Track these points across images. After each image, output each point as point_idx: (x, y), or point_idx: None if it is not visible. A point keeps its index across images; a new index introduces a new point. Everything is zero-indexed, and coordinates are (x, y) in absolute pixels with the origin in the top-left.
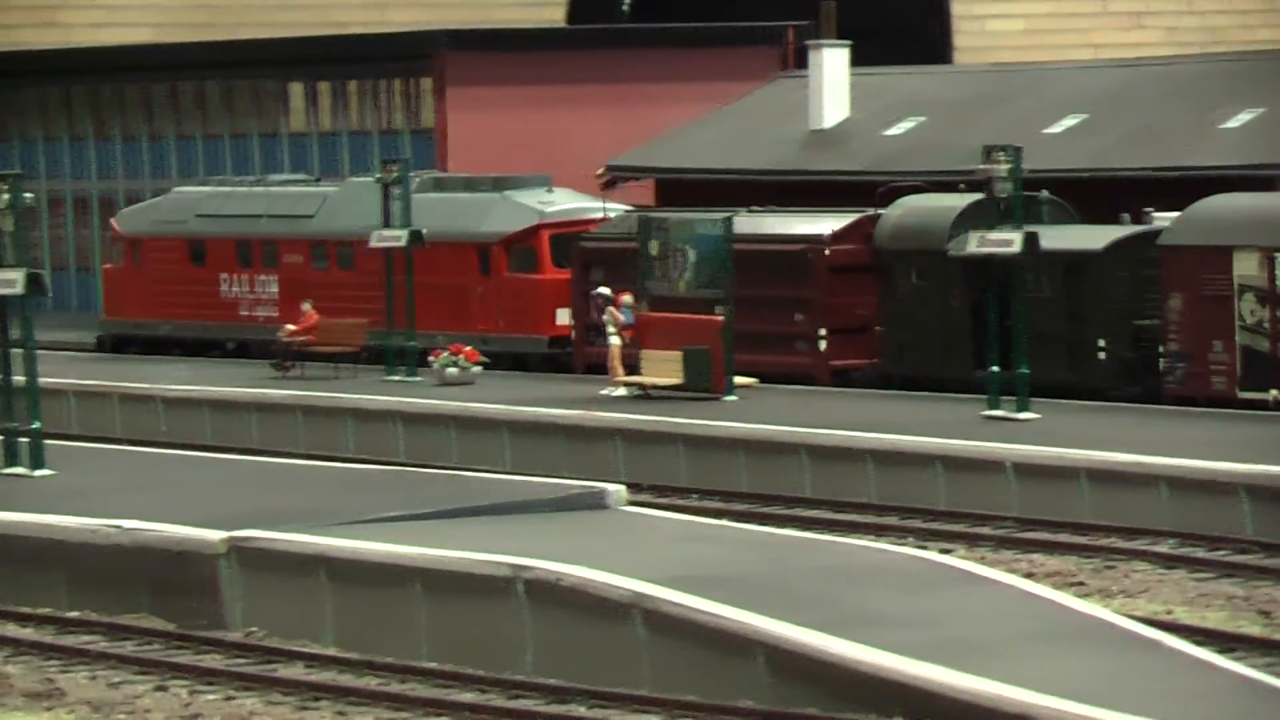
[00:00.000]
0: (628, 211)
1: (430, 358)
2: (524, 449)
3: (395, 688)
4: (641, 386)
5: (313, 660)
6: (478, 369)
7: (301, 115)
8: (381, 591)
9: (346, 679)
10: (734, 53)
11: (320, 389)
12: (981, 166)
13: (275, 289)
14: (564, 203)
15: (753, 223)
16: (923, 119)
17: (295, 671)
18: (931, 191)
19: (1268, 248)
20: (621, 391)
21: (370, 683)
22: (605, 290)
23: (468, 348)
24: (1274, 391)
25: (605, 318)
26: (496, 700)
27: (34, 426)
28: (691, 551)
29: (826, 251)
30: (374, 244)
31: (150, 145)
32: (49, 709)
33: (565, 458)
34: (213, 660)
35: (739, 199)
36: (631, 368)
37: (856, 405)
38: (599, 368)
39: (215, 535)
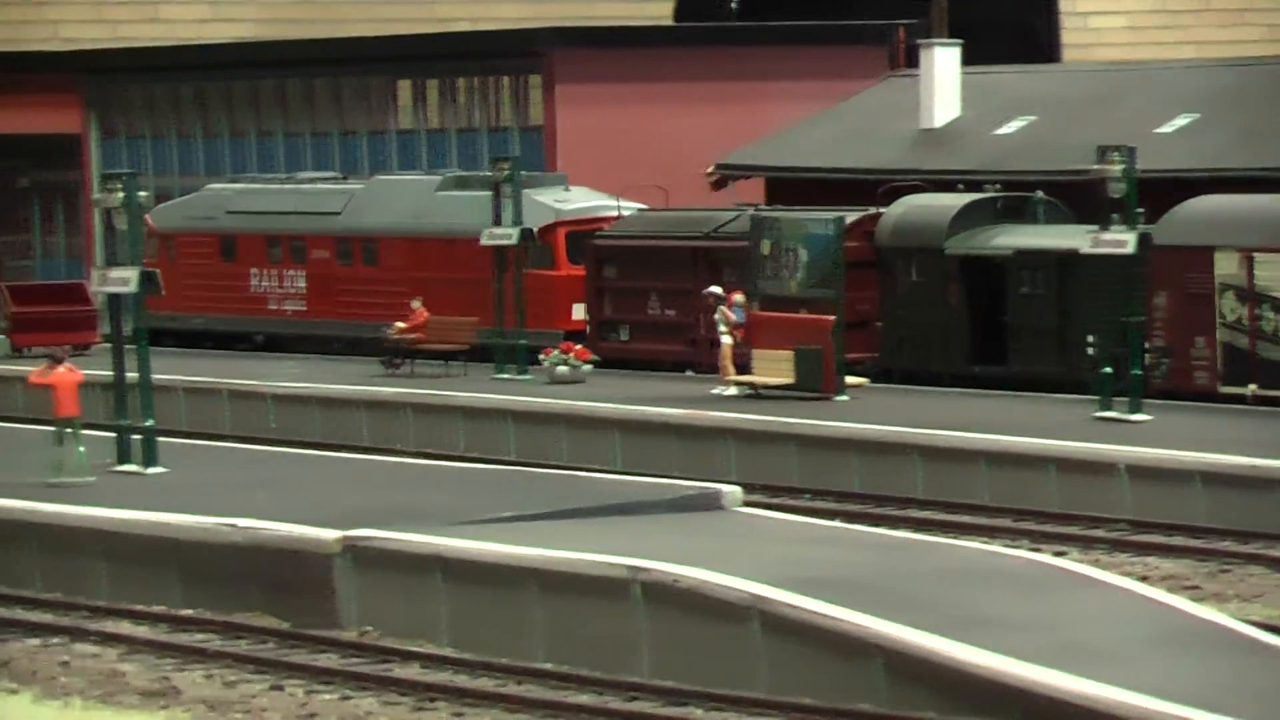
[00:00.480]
0: (640, 210)
1: (541, 356)
2: (635, 448)
3: (511, 689)
4: (752, 386)
5: (428, 661)
6: (588, 367)
7: (410, 112)
8: (497, 592)
9: (462, 680)
10: (842, 51)
11: (430, 386)
12: (1095, 166)
13: (303, 283)
14: (580, 201)
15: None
16: (1033, 118)
17: (411, 672)
18: (932, 192)
19: (1247, 248)
20: (733, 391)
21: (486, 684)
22: (717, 289)
23: (578, 346)
24: (1252, 386)
25: (716, 317)
26: (613, 702)
27: (147, 424)
28: (807, 553)
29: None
30: (485, 241)
31: (258, 142)
32: (164, 708)
33: (677, 457)
34: (328, 660)
35: (850, 199)
36: (742, 367)
37: (967, 405)
38: (617, 364)
39: (330, 534)
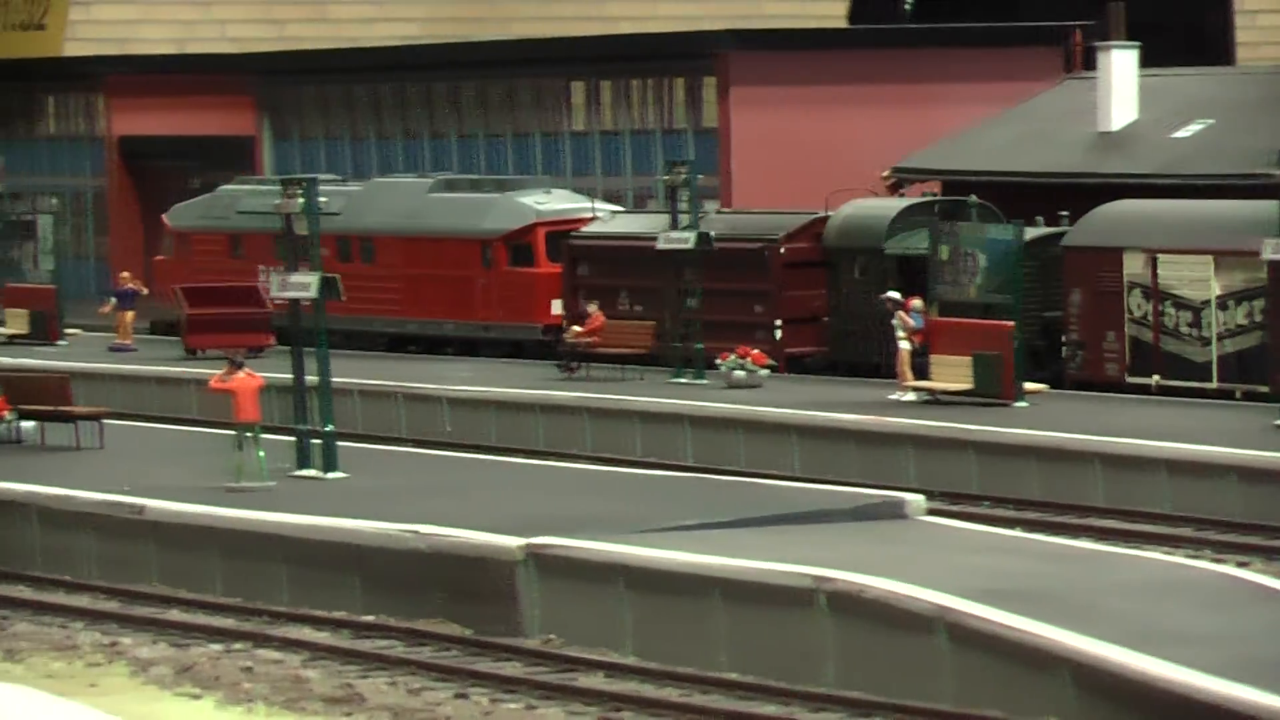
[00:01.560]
0: (613, 213)
1: (718, 360)
2: (813, 454)
3: (697, 699)
4: (931, 391)
5: (612, 670)
6: (765, 372)
7: (583, 114)
8: (681, 601)
9: (648, 690)
10: (1017, 53)
11: (607, 391)
12: (1276, 171)
13: None
14: (559, 203)
15: (721, 222)
16: (1211, 121)
17: (595, 681)
18: (875, 197)
19: (1151, 249)
20: (911, 396)
21: (671, 694)
22: (895, 294)
23: (755, 351)
24: (1156, 377)
25: (895, 322)
26: (799, 713)
27: (327, 429)
28: (991, 563)
29: (782, 249)
30: (661, 245)
31: (431, 143)
32: (348, 715)
33: (855, 463)
34: (512, 668)
35: (1026, 202)
36: (920, 372)
37: (1146, 412)
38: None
39: (513, 542)
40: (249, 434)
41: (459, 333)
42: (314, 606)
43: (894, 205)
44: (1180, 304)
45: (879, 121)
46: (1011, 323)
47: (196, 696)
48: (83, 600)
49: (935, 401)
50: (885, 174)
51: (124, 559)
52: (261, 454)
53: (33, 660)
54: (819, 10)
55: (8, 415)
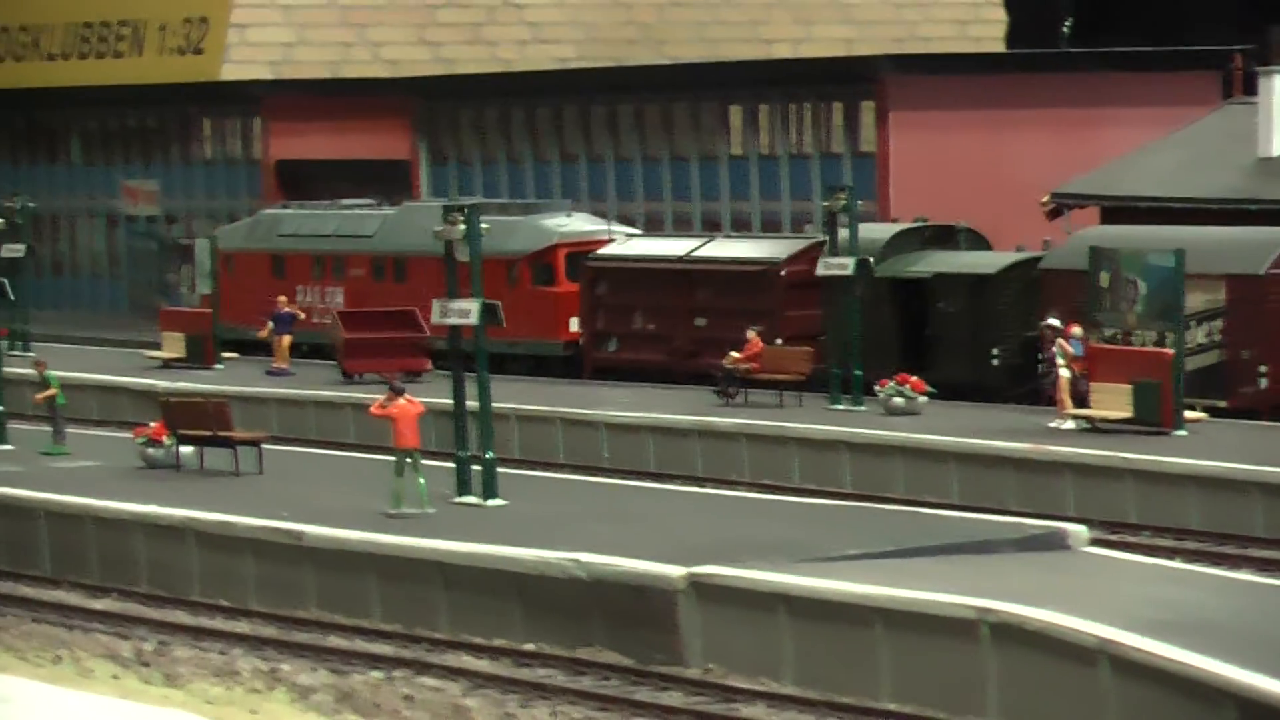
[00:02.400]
0: (628, 235)
1: (876, 387)
2: (972, 481)
3: None
4: (1090, 420)
5: (773, 700)
6: (923, 399)
7: (741, 138)
8: (842, 630)
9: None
10: (1175, 77)
11: (765, 417)
12: None
13: (341, 299)
14: (578, 225)
15: (724, 246)
16: None
17: (756, 711)
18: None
19: (1120, 271)
20: (1070, 425)
21: None
22: (1055, 321)
23: (914, 378)
24: None
25: (1055, 349)
26: None
27: (487, 456)
28: (1155, 594)
29: (782, 272)
30: (821, 271)
31: (589, 166)
32: None
33: (1014, 491)
34: (672, 698)
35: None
36: (1079, 400)
37: None
38: (606, 371)
39: (675, 571)
40: (409, 460)
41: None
42: (474, 634)
43: (887, 230)
44: None
45: (1038, 146)
46: (1172, 351)
47: None
48: (242, 625)
49: (1094, 430)
50: (1045, 199)
51: (283, 584)
52: (422, 480)
53: (193, 685)
54: (975, 32)
55: (166, 440)
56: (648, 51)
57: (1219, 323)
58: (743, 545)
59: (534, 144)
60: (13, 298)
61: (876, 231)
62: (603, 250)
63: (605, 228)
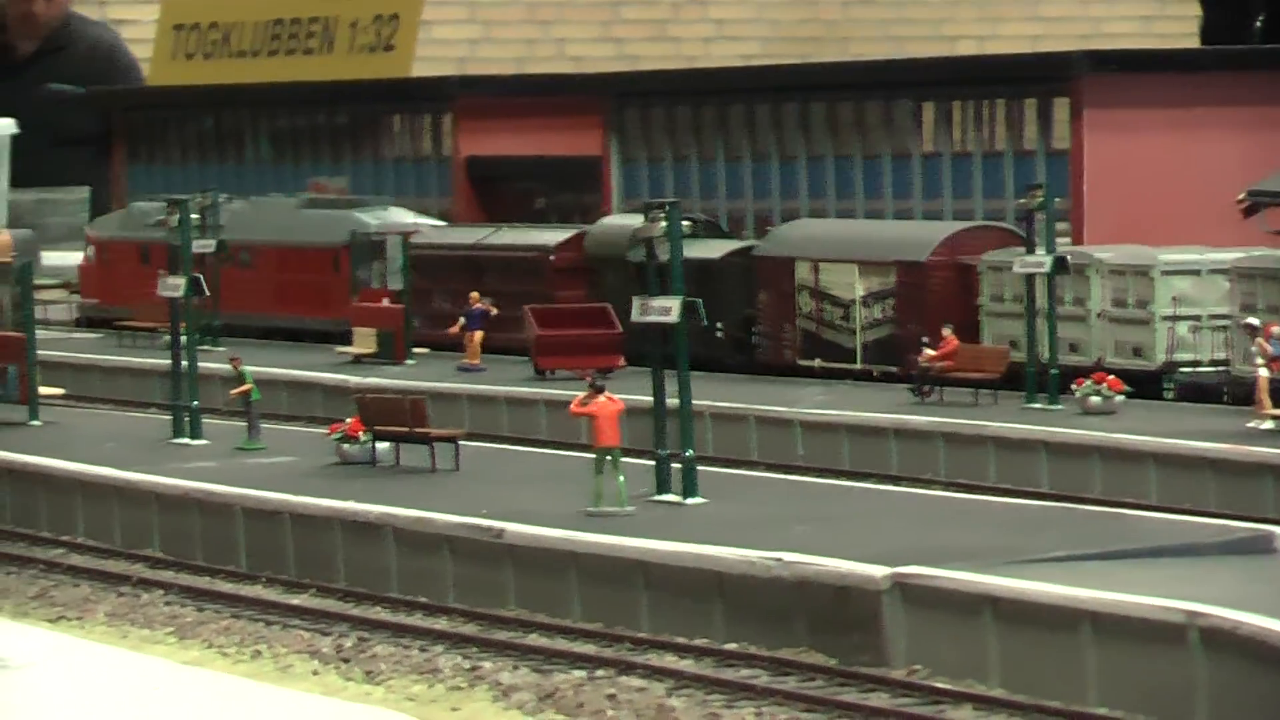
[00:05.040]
0: (434, 227)
1: (1073, 386)
2: (1170, 482)
3: None
4: None
5: (980, 702)
6: (1120, 398)
7: (934, 136)
8: (1049, 634)
9: None
10: None
11: (960, 415)
12: None
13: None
14: (394, 218)
15: (507, 235)
16: None
17: (963, 714)
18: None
19: (815, 259)
20: (1269, 425)
21: None
22: (1254, 321)
23: (1110, 376)
24: (819, 360)
25: (1253, 349)
26: None
27: (687, 455)
28: None
29: (552, 257)
30: (1018, 269)
31: (781, 165)
32: None
33: (1213, 492)
34: (878, 699)
35: None
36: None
37: None
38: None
39: (879, 572)
40: (609, 458)
41: (318, 326)
42: (675, 634)
43: (634, 221)
44: (835, 302)
45: (1231, 143)
46: None
47: None
48: (441, 623)
49: None
50: (1240, 197)
51: (482, 582)
52: (621, 479)
53: (393, 682)
54: (1160, 29)
55: (363, 436)
56: (832, 49)
57: (891, 301)
58: (943, 546)
59: (726, 142)
60: (206, 293)
61: (625, 222)
62: (412, 240)
63: (415, 220)
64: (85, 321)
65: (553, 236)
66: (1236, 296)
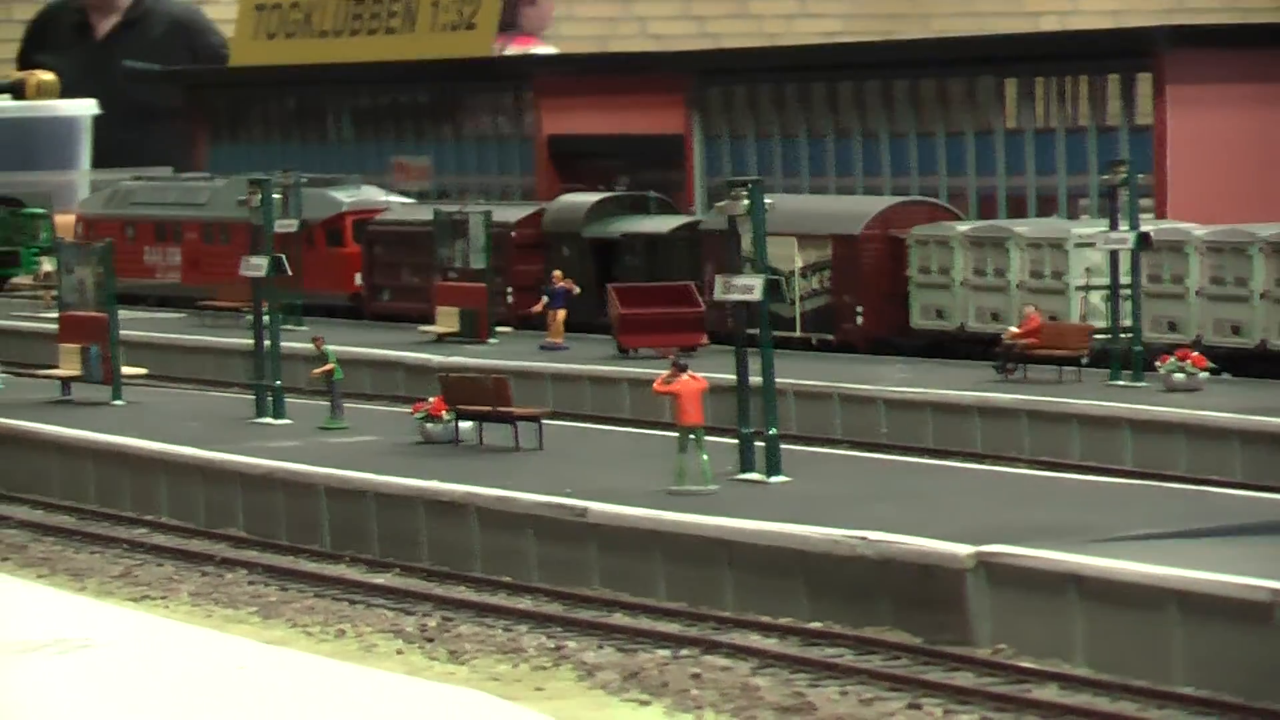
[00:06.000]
0: (403, 203)
1: (1157, 363)
2: (1256, 460)
3: (1152, 714)
4: None
5: (1066, 681)
6: (1205, 374)
7: (1016, 112)
8: (1134, 613)
9: (1102, 703)
10: None
11: (1045, 393)
12: None
13: (178, 258)
14: (365, 196)
15: (473, 213)
16: None
17: (1049, 693)
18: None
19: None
20: None
21: (1126, 708)
22: None
23: (1195, 353)
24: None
25: None
26: None
27: (771, 433)
28: None
29: (513, 233)
30: (1101, 246)
31: (864, 142)
32: None
33: None
34: (963, 678)
35: None
36: None
37: None
38: (381, 317)
39: (963, 550)
40: (692, 437)
41: (292, 298)
42: (759, 612)
43: (592, 198)
44: (775, 273)
45: None
46: None
47: (645, 703)
48: (525, 602)
49: None
50: None
51: (566, 561)
52: (705, 457)
53: (478, 662)
54: (1244, 3)
55: (446, 415)
56: (913, 25)
57: (827, 273)
58: (1027, 524)
59: (808, 120)
60: (289, 272)
61: (580, 199)
62: (379, 217)
63: (385, 198)
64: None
65: (514, 213)
66: None
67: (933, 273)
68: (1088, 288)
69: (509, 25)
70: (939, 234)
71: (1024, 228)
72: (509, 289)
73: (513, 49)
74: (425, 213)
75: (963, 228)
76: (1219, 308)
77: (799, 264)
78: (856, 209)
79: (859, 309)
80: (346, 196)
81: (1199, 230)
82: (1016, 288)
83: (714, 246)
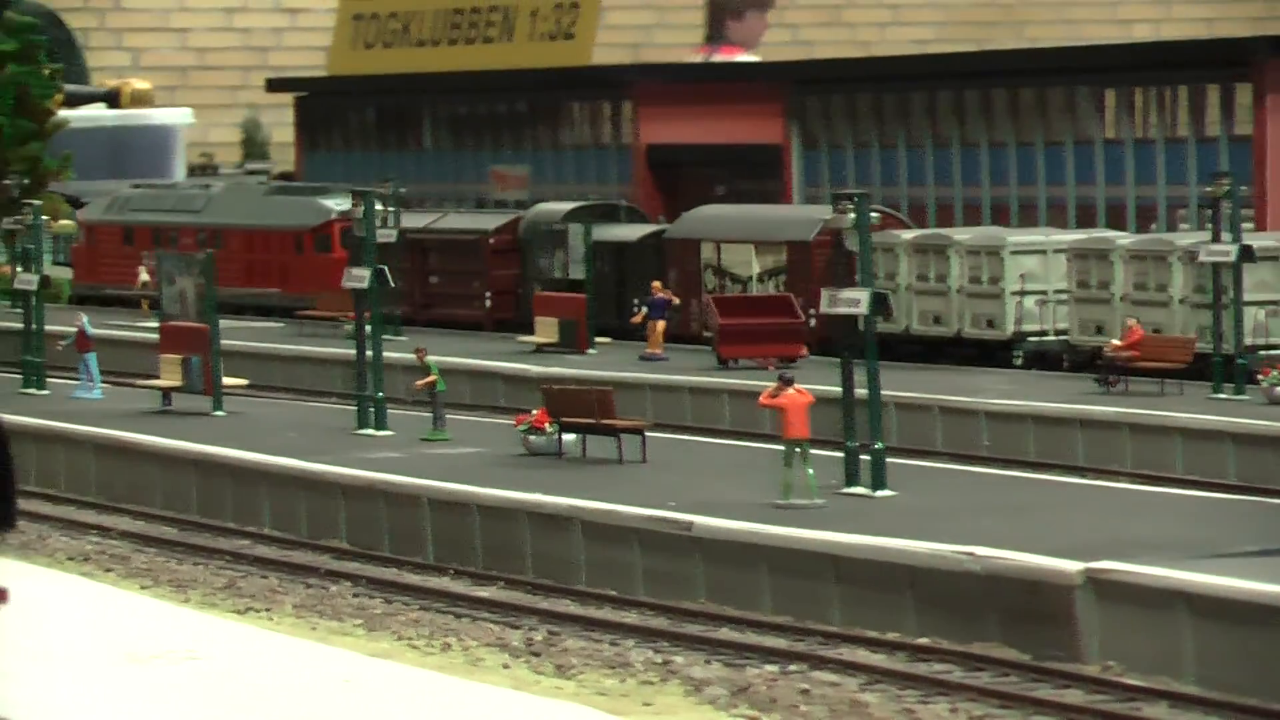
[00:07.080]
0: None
1: (1259, 376)
2: None
3: None
4: None
5: (1176, 700)
6: None
7: (1116, 122)
8: (1246, 630)
9: None
10: None
11: (1146, 406)
12: None
13: None
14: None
15: (450, 220)
16: None
17: (1158, 711)
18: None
19: (717, 239)
20: None
21: None
22: None
23: None
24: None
25: None
26: None
27: (877, 446)
28: None
29: (490, 240)
30: (1203, 259)
31: (962, 151)
32: None
33: None
34: (1073, 696)
35: None
36: None
37: None
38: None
39: (1072, 566)
40: (798, 450)
41: (282, 302)
42: (866, 627)
43: (565, 207)
44: (735, 278)
45: None
46: None
47: (754, 719)
48: (630, 616)
49: None
50: None
51: (671, 575)
52: (811, 471)
53: (585, 676)
54: None
55: (549, 427)
56: (1007, 34)
57: (784, 277)
58: (1132, 539)
59: (907, 130)
60: (392, 284)
61: (554, 208)
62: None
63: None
64: (76, 299)
65: (490, 221)
66: None
67: (879, 278)
68: (1023, 293)
69: (716, 37)
70: (885, 241)
71: (964, 235)
72: (487, 292)
73: (719, 58)
74: (409, 220)
75: (907, 235)
76: None
77: (756, 270)
78: (809, 216)
79: (811, 311)
80: (335, 204)
81: None
82: (957, 292)
83: (680, 252)
